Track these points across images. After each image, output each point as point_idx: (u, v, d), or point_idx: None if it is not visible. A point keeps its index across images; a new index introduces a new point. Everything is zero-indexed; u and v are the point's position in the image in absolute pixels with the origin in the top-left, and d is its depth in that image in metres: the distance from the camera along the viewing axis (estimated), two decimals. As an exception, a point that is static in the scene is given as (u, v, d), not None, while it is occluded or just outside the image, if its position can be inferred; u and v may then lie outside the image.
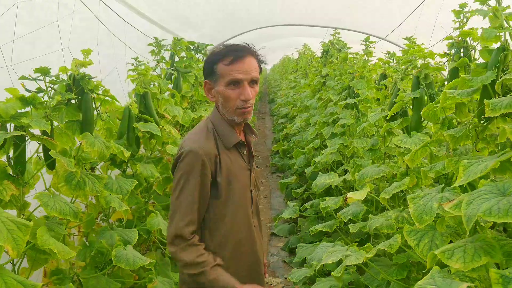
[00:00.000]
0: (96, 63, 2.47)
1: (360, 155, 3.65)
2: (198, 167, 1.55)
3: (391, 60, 2.84)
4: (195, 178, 1.55)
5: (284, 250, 4.55)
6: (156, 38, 3.21)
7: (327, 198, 3.19)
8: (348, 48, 4.73)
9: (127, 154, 2.28)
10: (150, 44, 3.23)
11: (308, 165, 5.30)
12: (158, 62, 3.22)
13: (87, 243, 2.63)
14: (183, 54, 3.81)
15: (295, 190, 4.92)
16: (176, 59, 3.66)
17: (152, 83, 3.07)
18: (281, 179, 7.27)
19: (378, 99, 3.71)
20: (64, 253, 1.60)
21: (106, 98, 2.27)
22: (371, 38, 4.50)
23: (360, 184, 2.50)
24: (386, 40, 6.04)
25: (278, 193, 6.53)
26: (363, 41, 3.53)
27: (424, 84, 2.19)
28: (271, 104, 16.65)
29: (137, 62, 2.72)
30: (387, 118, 2.44)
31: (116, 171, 2.87)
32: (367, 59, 3.56)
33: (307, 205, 3.90)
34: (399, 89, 2.58)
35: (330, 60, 5.43)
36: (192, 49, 3.88)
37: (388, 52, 3.67)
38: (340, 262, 1.96)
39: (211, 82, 1.62)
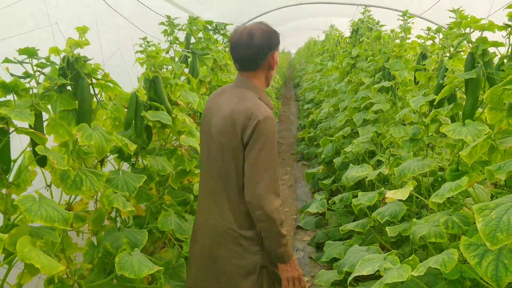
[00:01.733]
0: (97, 45, 2.20)
1: (397, 144, 3.28)
2: (274, 133, 1.77)
3: (436, 36, 2.44)
4: (275, 142, 1.78)
5: (310, 245, 4.25)
6: (168, 16, 2.90)
7: (360, 193, 2.85)
8: (381, 26, 4.31)
9: (132, 147, 2.01)
10: (162, 23, 2.92)
11: (337, 154, 4.94)
12: (171, 44, 2.91)
13: (95, 242, 2.41)
14: (200, 35, 3.50)
15: (323, 181, 4.59)
16: (192, 40, 3.35)
17: (164, 67, 2.79)
18: (307, 168, 6.95)
19: (417, 82, 3.32)
20: (49, 267, 1.35)
21: (108, 83, 2.00)
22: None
23: (400, 180, 2.16)
24: (421, 18, 5.52)
25: (304, 182, 6.21)
26: (401, 15, 3.12)
27: (482, 62, 1.81)
28: (296, 88, 16.19)
29: (145, 43, 2.43)
30: (434, 103, 2.07)
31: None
32: (405, 36, 3.15)
33: (336, 199, 3.56)
34: (447, 69, 2.19)
35: (360, 40, 5.00)
36: (210, 30, 3.57)
37: (429, 28, 3.26)
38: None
39: (277, 53, 1.87)
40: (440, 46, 2.27)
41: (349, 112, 4.27)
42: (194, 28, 3.33)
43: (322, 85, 8.05)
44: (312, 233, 4.61)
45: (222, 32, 3.59)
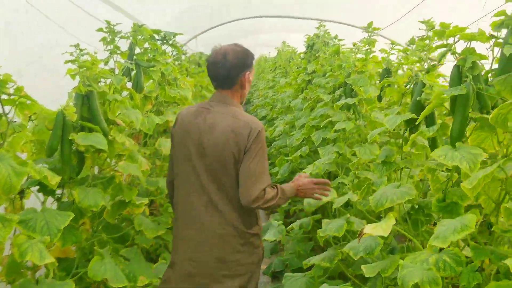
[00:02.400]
0: (17, 51, 1.78)
1: (361, 166, 3.05)
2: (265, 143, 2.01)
3: (409, 48, 2.23)
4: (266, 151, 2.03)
5: (266, 274, 3.92)
6: (108, 22, 2.49)
7: (324, 220, 2.57)
8: (339, 40, 4.14)
9: (54, 179, 1.59)
10: (101, 30, 2.52)
11: (293, 174, 4.67)
12: (111, 53, 2.51)
13: (9, 295, 1.92)
14: (146, 45, 3.11)
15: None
16: (137, 50, 2.96)
17: (102, 80, 2.38)
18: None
19: (380, 99, 3.12)
20: None
21: (24, 100, 1.58)
22: (362, 33, 3.89)
23: (377, 210, 1.88)
24: (381, 36, 5.47)
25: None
26: (364, 28, 2.93)
27: (471, 77, 1.58)
28: (247, 105, 15.99)
29: (77, 51, 2.02)
30: (415, 122, 1.83)
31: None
32: (369, 50, 2.96)
33: (295, 225, 3.26)
34: (424, 84, 1.98)
35: (316, 55, 4.82)
36: (158, 40, 3.20)
37: (393, 42, 3.08)
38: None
39: (250, 73, 2.05)
40: (415, 58, 2.05)
41: (307, 131, 4.03)
42: (140, 37, 2.94)
43: (275, 102, 7.84)
44: (267, 260, 4.27)
45: (171, 42, 3.23)
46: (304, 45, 6.04)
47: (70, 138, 1.88)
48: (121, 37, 2.61)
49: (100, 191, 2.08)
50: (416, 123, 1.83)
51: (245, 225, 2.03)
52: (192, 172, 1.99)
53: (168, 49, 3.91)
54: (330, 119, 3.37)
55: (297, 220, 3.39)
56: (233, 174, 1.96)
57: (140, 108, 3.14)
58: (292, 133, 4.72)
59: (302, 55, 6.02)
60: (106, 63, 2.47)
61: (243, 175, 1.93)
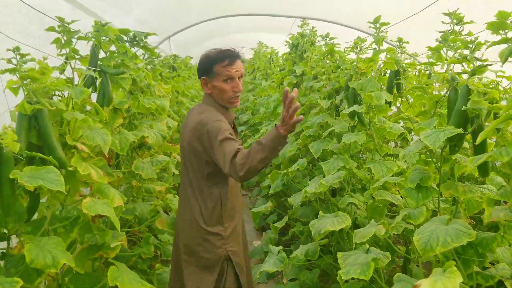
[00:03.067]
0: None
1: (368, 181, 2.63)
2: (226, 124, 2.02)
3: (442, 44, 1.81)
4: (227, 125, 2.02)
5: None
6: (60, 19, 1.94)
7: (340, 254, 2.12)
8: (332, 39, 3.72)
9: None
10: (51, 29, 1.97)
11: (286, 188, 4.23)
12: (67, 59, 1.97)
13: None
14: (113, 48, 2.59)
15: (274, 224, 3.83)
16: (102, 54, 2.45)
17: (58, 93, 1.86)
18: (247, 199, 6.19)
19: (390, 104, 2.71)
20: None
21: None
22: (354, 33, 3.53)
23: (426, 255, 1.45)
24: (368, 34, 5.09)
25: (246, 217, 5.44)
26: (372, 23, 2.50)
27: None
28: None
29: (18, 56, 1.50)
30: (459, 138, 1.41)
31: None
32: (378, 49, 2.53)
33: (299, 254, 2.81)
34: (469, 90, 1.56)
35: (304, 56, 4.39)
36: (127, 41, 2.68)
37: (400, 39, 2.68)
38: None
39: (208, 78, 2.11)
40: (457, 58, 1.63)
41: (302, 141, 3.59)
42: (104, 38, 2.42)
43: (257, 106, 7.39)
44: (263, 286, 3.82)
45: (142, 44, 2.71)
46: (285, 45, 5.63)
47: (11, 177, 1.36)
48: (79, 38, 2.08)
49: (60, 241, 1.57)
50: (477, 143, 1.40)
51: (206, 221, 2.10)
52: (182, 167, 2.22)
53: (139, 52, 3.40)
54: (332, 128, 2.94)
55: (300, 247, 2.95)
56: (193, 164, 2.09)
57: (109, 123, 2.62)
58: (281, 142, 4.27)
59: (284, 56, 5.58)
60: (61, 71, 1.94)
61: (218, 165, 1.98)
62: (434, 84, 1.87)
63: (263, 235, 4.56)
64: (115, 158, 2.92)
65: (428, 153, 1.84)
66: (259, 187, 5.83)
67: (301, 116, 1.71)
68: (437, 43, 1.93)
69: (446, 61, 1.72)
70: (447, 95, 1.73)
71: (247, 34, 9.48)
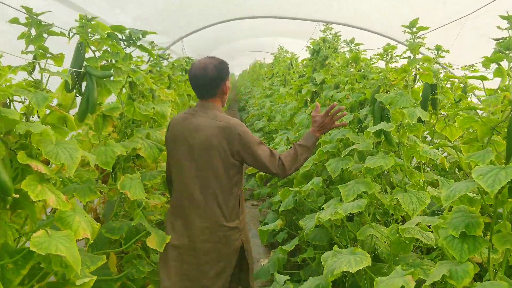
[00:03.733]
0: None
1: (400, 210, 2.22)
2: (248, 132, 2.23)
3: (502, 53, 1.40)
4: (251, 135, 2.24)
5: None
6: (28, 9, 1.60)
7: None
8: (357, 44, 3.32)
9: None
10: (15, 20, 1.63)
11: (298, 205, 3.85)
12: (35, 58, 1.63)
13: None
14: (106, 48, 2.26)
15: (283, 247, 3.44)
16: (91, 54, 2.12)
17: (22, 98, 1.52)
18: (256, 210, 5.82)
19: (423, 123, 2.30)
20: None
21: None
22: (382, 40, 3.14)
23: None
24: (400, 43, 4.64)
25: (255, 231, 5.08)
26: (407, 26, 2.10)
27: None
28: (241, 112, 15.11)
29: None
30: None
31: None
32: (413, 57, 2.13)
33: (313, 286, 2.41)
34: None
35: (326, 63, 4.00)
36: (121, 40, 2.35)
37: (439, 48, 2.27)
38: None
39: (227, 81, 2.30)
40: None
41: (318, 156, 3.20)
42: (93, 36, 2.08)
43: (273, 113, 7.00)
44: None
45: (138, 43, 2.37)
46: (306, 50, 5.25)
47: None
48: (49, 33, 1.73)
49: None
50: None
51: (227, 219, 2.22)
52: (182, 169, 2.23)
53: (134, 51, 3.07)
54: (353, 147, 2.53)
55: (310, 279, 2.55)
56: (216, 167, 2.17)
57: (96, 133, 2.29)
58: (296, 156, 3.88)
59: (304, 62, 5.20)
60: (30, 72, 1.61)
61: (259, 166, 2.24)
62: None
63: (271, 254, 4.16)
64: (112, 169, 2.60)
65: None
66: (270, 198, 5.45)
67: (345, 122, 2.25)
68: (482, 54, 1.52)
69: (509, 76, 1.31)
70: (507, 120, 1.32)
71: (266, 38, 9.12)
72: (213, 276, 2.21)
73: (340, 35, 4.08)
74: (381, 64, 2.97)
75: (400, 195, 1.97)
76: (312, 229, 2.66)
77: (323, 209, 2.64)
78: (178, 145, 2.24)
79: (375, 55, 2.80)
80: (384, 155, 2.09)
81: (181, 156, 2.22)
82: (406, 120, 1.99)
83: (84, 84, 2.09)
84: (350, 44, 3.32)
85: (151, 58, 3.28)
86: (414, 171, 2.10)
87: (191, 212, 2.22)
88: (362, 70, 3.00)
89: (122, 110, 2.43)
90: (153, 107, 2.77)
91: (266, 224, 4.85)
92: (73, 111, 2.12)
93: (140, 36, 2.34)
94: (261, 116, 8.51)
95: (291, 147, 2.36)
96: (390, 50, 2.42)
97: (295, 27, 6.42)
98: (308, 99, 4.58)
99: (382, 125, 2.10)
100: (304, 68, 5.29)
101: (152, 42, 3.52)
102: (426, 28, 2.02)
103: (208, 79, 2.22)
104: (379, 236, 2.30)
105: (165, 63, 4.40)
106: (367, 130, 2.21)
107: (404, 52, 2.18)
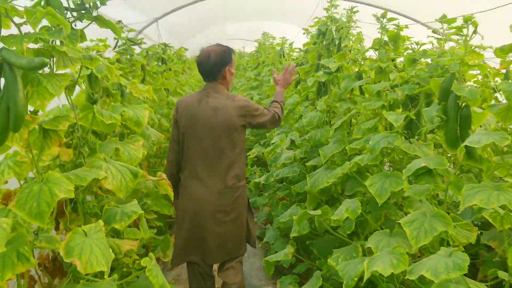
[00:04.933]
0: None
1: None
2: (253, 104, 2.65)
3: None
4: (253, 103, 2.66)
5: None
6: None
7: None
8: (390, 20, 2.53)
9: None
10: None
11: (315, 228, 3.05)
12: None
13: None
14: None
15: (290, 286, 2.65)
16: (13, 30, 1.26)
17: None
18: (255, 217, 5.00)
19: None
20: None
21: None
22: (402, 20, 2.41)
23: None
24: (426, 26, 3.83)
25: (251, 250, 4.26)
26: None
27: None
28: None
29: None
30: None
31: None
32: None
33: None
34: None
35: (343, 45, 3.21)
36: (68, 10, 1.49)
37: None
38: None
39: (229, 67, 2.58)
40: None
41: (348, 169, 2.41)
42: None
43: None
44: None
45: (95, 14, 1.50)
46: (304, 33, 4.44)
47: None
48: None
49: None
50: None
51: (240, 179, 2.63)
52: (201, 143, 2.52)
53: (110, 36, 2.20)
54: (416, 166, 1.75)
55: None
56: (233, 139, 2.53)
57: (34, 159, 1.43)
58: (308, 165, 3.08)
59: (305, 48, 4.38)
60: None
61: (263, 128, 2.84)
62: None
63: (277, 284, 3.37)
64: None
65: None
66: (266, 212, 4.64)
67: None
68: None
69: None
70: None
71: (253, 22, 8.22)
72: (232, 218, 2.62)
73: (356, 10, 3.28)
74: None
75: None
76: (355, 279, 1.88)
77: (354, 238, 1.85)
78: (198, 126, 2.50)
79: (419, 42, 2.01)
80: (496, 184, 1.31)
81: (202, 134, 2.50)
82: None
83: (1, 81, 1.23)
84: (381, 19, 2.52)
85: (119, 42, 2.41)
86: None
87: (212, 178, 2.53)
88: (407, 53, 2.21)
89: (74, 120, 1.57)
90: (124, 111, 1.92)
91: (267, 243, 4.07)
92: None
93: (98, 2, 1.47)
94: (247, 110, 7.68)
95: (273, 103, 2.86)
96: (471, 21, 1.64)
97: (287, 6, 5.55)
98: (316, 91, 3.79)
99: (493, 138, 1.31)
100: (304, 54, 4.47)
101: (120, 21, 2.64)
102: None
103: (210, 65, 2.52)
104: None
105: (137, 50, 3.51)
106: (461, 146, 1.43)
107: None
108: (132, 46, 3.14)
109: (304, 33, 4.51)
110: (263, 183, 4.22)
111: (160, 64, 4.53)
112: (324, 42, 3.83)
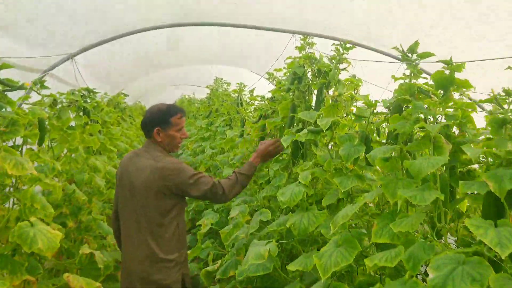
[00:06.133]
0: None
1: None
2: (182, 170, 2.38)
3: None
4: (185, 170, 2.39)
5: None
6: None
7: None
8: (426, 53, 1.62)
9: None
10: None
11: None
12: None
13: None
14: None
15: None
16: None
17: None
18: None
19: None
20: None
21: None
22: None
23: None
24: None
25: None
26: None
27: None
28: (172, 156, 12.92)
29: None
30: None
31: None
32: None
33: None
34: None
35: (336, 93, 2.27)
36: None
37: None
38: None
39: (161, 129, 2.41)
40: None
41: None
42: None
43: (218, 164, 5.09)
44: None
45: None
46: (267, 79, 3.53)
47: None
48: None
49: None
50: None
51: (164, 252, 2.33)
52: (127, 206, 2.40)
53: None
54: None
55: None
56: (153, 204, 2.31)
57: None
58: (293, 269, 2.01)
59: (275, 96, 3.43)
60: None
61: (200, 199, 2.68)
62: None
63: None
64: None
65: None
66: None
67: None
68: None
69: None
70: None
71: (203, 66, 7.28)
72: None
73: (353, 46, 2.38)
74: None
75: None
76: None
77: None
78: (123, 182, 2.41)
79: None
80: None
81: (125, 193, 2.38)
82: None
83: None
84: (409, 55, 1.60)
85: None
86: None
87: (129, 244, 2.37)
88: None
89: None
90: None
91: None
92: None
93: None
94: (197, 165, 6.52)
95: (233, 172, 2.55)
96: None
97: (244, 47, 4.63)
98: (288, 153, 2.81)
99: None
100: (270, 104, 3.53)
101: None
102: None
103: (144, 122, 2.46)
104: None
105: (34, 97, 2.38)
106: None
107: None
108: (21, 92, 2.00)
109: (268, 78, 3.61)
110: (218, 278, 3.07)
111: (80, 114, 3.39)
112: (301, 89, 2.92)
